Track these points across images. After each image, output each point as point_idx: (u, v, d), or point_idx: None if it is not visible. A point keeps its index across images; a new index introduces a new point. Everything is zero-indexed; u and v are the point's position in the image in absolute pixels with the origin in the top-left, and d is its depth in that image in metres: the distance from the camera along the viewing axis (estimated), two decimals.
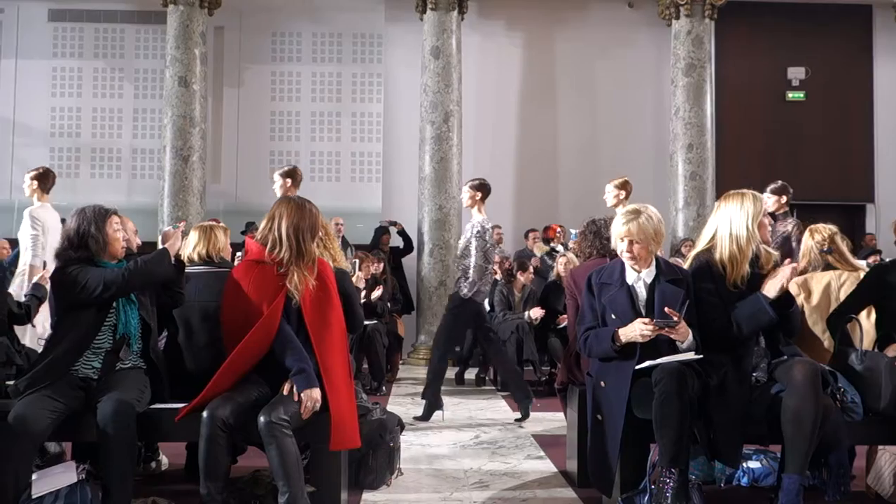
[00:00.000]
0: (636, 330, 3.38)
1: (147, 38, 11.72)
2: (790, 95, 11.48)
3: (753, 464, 4.07)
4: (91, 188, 11.01)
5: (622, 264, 3.63)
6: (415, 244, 10.41)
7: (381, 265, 8.65)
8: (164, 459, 4.43)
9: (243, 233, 8.80)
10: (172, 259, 3.52)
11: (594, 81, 11.37)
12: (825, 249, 4.06)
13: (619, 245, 3.59)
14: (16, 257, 7.68)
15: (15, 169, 11.56)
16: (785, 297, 3.46)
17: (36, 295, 4.19)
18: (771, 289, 3.43)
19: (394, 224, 10.23)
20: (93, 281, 3.35)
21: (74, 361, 3.34)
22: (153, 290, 3.62)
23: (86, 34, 11.74)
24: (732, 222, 3.55)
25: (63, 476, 3.31)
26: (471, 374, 8.46)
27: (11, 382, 3.54)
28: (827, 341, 3.84)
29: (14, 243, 8.03)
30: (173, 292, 3.66)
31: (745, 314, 3.43)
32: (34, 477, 3.22)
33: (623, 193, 6.05)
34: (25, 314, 4.05)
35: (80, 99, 11.73)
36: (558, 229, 9.53)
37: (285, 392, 3.28)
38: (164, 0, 10.33)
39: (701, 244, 3.66)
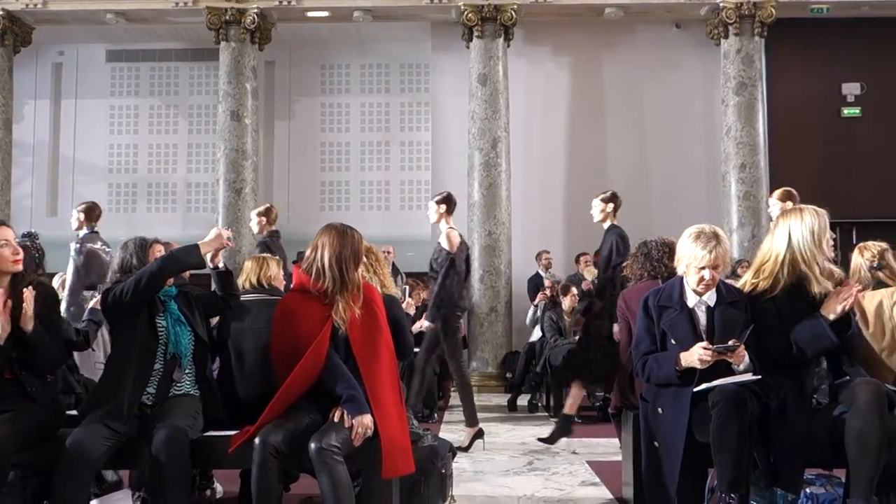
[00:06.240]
0: (695, 355, 3.29)
1: (200, 75, 12.05)
2: (845, 112, 11.23)
3: (817, 489, 3.90)
4: (147, 222, 11.28)
5: (681, 286, 3.53)
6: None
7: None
8: (218, 487, 4.45)
9: (294, 262, 8.91)
10: (205, 255, 3.54)
11: (643, 104, 11.28)
12: (875, 265, 3.92)
13: (699, 273, 3.43)
14: None
15: (75, 205, 11.90)
16: (843, 319, 3.34)
17: (94, 320, 4.28)
18: (831, 310, 3.32)
19: None
20: (130, 280, 3.44)
21: (141, 395, 3.40)
22: (202, 308, 3.71)
23: (142, 73, 12.13)
24: (794, 239, 3.45)
25: None
26: (523, 400, 8.38)
27: (74, 412, 3.60)
28: (886, 359, 3.69)
29: None
30: (227, 294, 3.75)
31: (805, 337, 3.32)
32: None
33: (611, 206, 5.95)
34: (84, 340, 4.14)
35: (137, 136, 12.10)
36: None
37: (335, 419, 3.28)
38: (217, 37, 10.61)
39: (758, 262, 3.56)
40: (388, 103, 12.04)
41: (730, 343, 3.26)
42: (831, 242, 3.55)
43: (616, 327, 5.69)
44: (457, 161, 10.84)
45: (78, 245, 6.72)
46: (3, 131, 10.79)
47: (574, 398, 6.01)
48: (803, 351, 3.32)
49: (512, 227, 10.51)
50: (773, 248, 3.50)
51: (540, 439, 5.97)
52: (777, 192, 6.18)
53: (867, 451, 3.06)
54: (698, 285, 3.47)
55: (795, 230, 3.45)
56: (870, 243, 4.11)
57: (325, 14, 10.89)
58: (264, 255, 4.41)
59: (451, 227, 6.05)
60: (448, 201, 6.09)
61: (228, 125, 10.50)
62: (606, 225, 6.01)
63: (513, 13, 10.45)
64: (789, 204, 6.19)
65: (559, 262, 10.50)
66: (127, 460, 3.40)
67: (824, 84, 11.22)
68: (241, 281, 4.13)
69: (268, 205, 7.66)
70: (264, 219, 7.38)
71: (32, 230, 6.32)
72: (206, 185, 11.67)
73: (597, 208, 6.01)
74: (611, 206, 5.97)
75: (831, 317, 3.30)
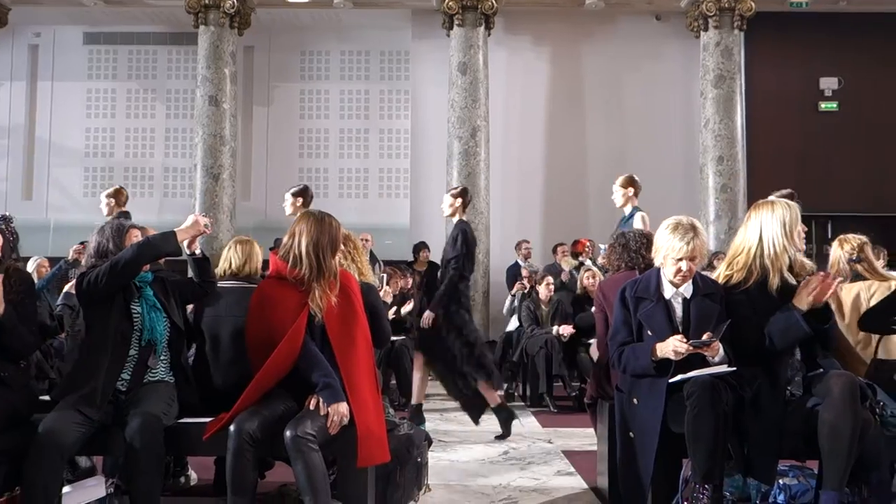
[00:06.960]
0: (670, 346, 3.31)
1: (178, 59, 11.93)
2: (823, 106, 11.33)
3: (790, 481, 3.96)
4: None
5: (657, 277, 3.54)
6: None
7: (410, 280, 8.65)
8: (192, 474, 4.43)
9: (271, 249, 8.87)
10: (181, 242, 3.52)
11: (622, 95, 11.32)
12: (854, 258, 3.96)
13: (676, 265, 3.44)
14: (53, 276, 7.74)
15: (50, 189, 11.78)
16: (823, 310, 3.37)
17: (68, 304, 4.24)
18: (802, 300, 3.35)
19: None
20: (106, 266, 3.40)
21: (115, 382, 3.36)
22: (178, 295, 3.68)
23: (119, 56, 11.98)
24: (765, 232, 3.47)
25: (93, 490, 3.34)
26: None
27: (47, 398, 3.55)
28: (860, 352, 3.74)
29: (53, 262, 8.11)
30: (204, 281, 3.74)
31: (778, 328, 3.34)
32: (65, 490, 3.24)
33: (459, 202, 6.00)
34: (58, 325, 4.10)
35: (114, 119, 11.96)
36: (587, 243, 9.45)
37: (311, 406, 3.26)
38: (196, 21, 10.50)
39: (731, 254, 3.58)
40: (368, 91, 11.99)
41: (705, 338, 3.28)
42: (803, 235, 3.58)
43: (427, 314, 5.83)
44: (436, 149, 10.82)
45: None
46: None
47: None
48: (774, 342, 3.35)
49: (490, 216, 10.51)
50: (745, 240, 3.52)
51: (497, 437, 5.98)
52: (620, 179, 6.17)
53: (839, 443, 3.09)
54: (675, 277, 3.48)
55: (767, 223, 3.47)
56: (850, 236, 4.14)
57: (305, 0, 10.81)
58: (248, 239, 4.34)
59: None
60: (304, 194, 6.26)
61: (207, 110, 10.40)
62: (455, 219, 6.05)
63: (493, 2, 10.43)
64: (631, 190, 6.15)
65: (537, 252, 10.53)
66: (100, 447, 3.37)
67: (802, 78, 11.32)
68: (222, 266, 4.08)
69: (118, 187, 7.72)
70: (113, 200, 7.41)
71: (7, 213, 6.22)
72: (184, 171, 11.57)
73: (446, 202, 6.09)
74: (459, 200, 6.02)
75: (803, 307, 3.33)
